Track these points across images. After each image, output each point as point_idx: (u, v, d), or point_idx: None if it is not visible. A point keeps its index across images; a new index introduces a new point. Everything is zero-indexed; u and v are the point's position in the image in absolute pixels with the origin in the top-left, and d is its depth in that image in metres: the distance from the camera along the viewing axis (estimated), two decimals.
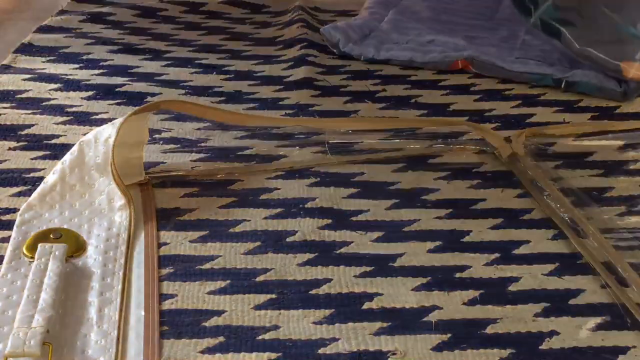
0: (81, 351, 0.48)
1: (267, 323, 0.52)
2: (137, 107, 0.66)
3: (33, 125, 0.74)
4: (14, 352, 0.45)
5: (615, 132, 0.78)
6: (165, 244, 0.59)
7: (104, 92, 0.82)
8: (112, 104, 0.79)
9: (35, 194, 0.60)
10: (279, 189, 0.67)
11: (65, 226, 0.58)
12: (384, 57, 0.93)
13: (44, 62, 0.88)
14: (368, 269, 0.58)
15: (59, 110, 0.77)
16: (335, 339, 0.51)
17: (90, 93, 0.81)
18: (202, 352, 0.49)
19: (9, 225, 0.58)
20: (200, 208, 0.64)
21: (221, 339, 0.50)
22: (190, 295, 0.54)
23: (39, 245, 0.54)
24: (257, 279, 0.56)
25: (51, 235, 0.56)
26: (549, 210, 0.66)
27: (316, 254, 0.59)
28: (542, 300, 0.56)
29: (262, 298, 0.54)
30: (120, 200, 0.60)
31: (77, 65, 0.88)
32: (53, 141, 0.72)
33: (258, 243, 0.60)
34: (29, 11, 1.06)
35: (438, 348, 0.51)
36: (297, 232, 0.61)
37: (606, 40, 0.84)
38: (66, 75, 0.85)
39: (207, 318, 0.52)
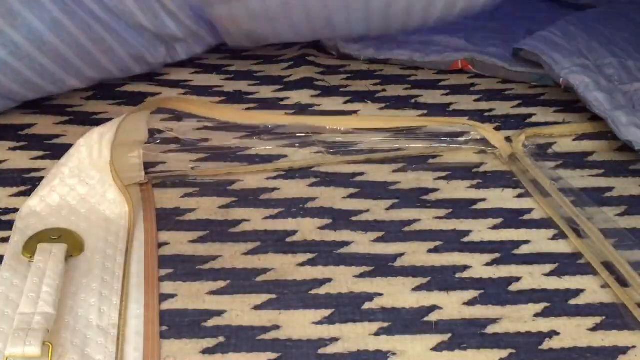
0: (81, 351, 0.47)
1: (267, 323, 0.52)
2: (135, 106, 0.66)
3: (33, 125, 0.74)
4: (14, 352, 0.45)
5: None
6: (165, 244, 0.59)
7: (104, 92, 0.82)
8: (112, 104, 0.79)
9: (34, 194, 0.60)
10: (279, 189, 0.67)
11: (64, 226, 0.58)
12: (384, 57, 0.93)
13: None
14: (368, 269, 0.58)
15: (59, 110, 0.77)
16: (335, 339, 0.51)
17: (90, 93, 0.81)
18: (202, 352, 0.49)
19: (8, 225, 0.58)
20: (200, 208, 0.64)
21: (221, 339, 0.50)
22: (190, 295, 0.54)
23: (39, 245, 0.54)
24: (257, 279, 0.56)
25: (50, 236, 0.56)
26: (549, 210, 0.66)
27: (316, 254, 0.59)
28: (542, 300, 0.56)
29: (262, 298, 0.54)
30: (120, 200, 0.60)
31: None
32: (53, 141, 0.72)
33: (258, 243, 0.60)
34: None
35: (438, 348, 0.51)
36: (297, 232, 0.61)
37: None
38: None
39: (207, 318, 0.52)
